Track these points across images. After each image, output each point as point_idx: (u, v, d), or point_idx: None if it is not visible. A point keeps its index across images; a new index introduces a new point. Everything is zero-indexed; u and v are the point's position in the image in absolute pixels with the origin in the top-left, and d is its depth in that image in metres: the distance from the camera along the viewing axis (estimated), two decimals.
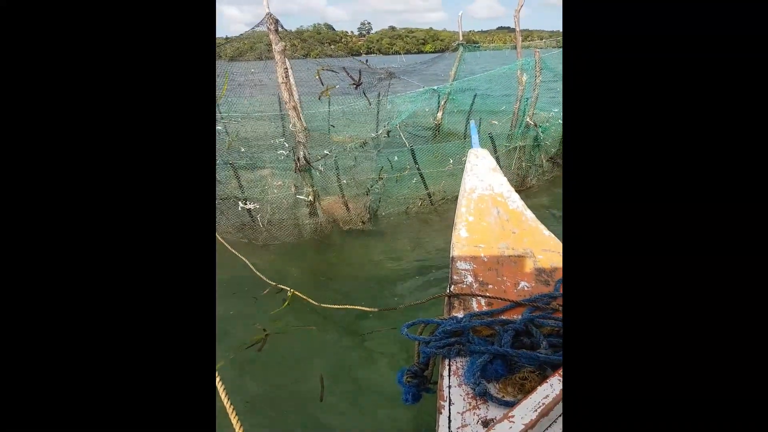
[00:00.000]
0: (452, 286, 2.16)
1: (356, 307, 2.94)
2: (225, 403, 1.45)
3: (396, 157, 6.26)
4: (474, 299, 2.04)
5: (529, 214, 2.87)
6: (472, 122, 4.81)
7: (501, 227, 2.73)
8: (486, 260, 2.38)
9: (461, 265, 2.35)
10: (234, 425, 1.38)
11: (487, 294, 2.06)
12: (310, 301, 3.54)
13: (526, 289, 2.12)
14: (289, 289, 3.81)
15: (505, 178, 3.36)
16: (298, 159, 4.98)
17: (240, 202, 5.05)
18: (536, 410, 1.19)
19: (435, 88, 8.91)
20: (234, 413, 1.42)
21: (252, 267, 4.00)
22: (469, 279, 2.21)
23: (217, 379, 1.52)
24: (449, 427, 1.37)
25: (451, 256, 2.47)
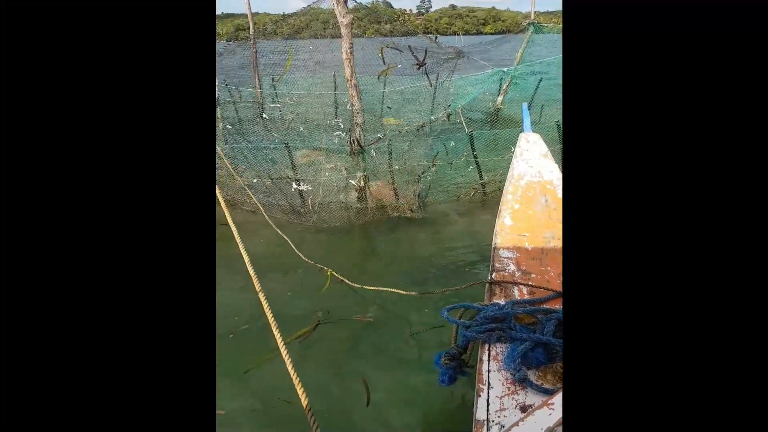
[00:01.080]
0: (493, 274, 2.21)
1: (395, 290, 3.04)
2: (292, 376, 1.53)
3: (453, 143, 6.22)
4: (515, 287, 2.08)
5: None
6: (524, 104, 4.67)
7: (548, 216, 2.73)
8: (530, 249, 2.41)
9: (504, 253, 2.39)
10: (300, 396, 1.46)
11: (530, 283, 2.10)
12: (346, 281, 3.69)
13: None
14: (327, 268, 3.95)
15: (556, 165, 3.30)
16: (353, 141, 5.09)
17: (294, 183, 5.24)
18: None
19: (505, 69, 8.68)
20: (300, 386, 1.49)
21: (292, 245, 4.15)
22: (512, 267, 2.26)
23: (284, 352, 1.60)
24: (488, 410, 1.44)
25: (493, 243, 2.51)
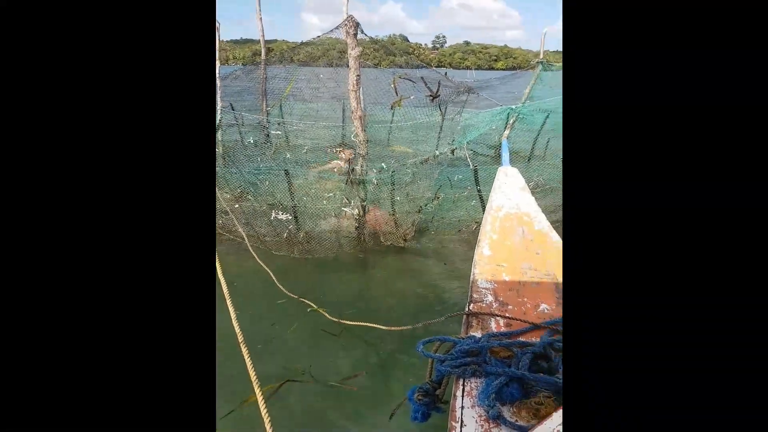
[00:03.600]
0: (471, 305, 2.18)
1: (374, 325, 2.99)
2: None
3: (457, 177, 6.25)
4: (493, 319, 2.05)
5: (555, 236, 2.87)
6: (504, 141, 4.85)
7: (525, 247, 2.75)
8: (507, 280, 2.39)
9: (482, 283, 2.37)
10: None
11: (507, 315, 2.08)
12: (326, 314, 3.63)
13: (546, 311, 2.12)
14: (310, 303, 3.91)
15: (533, 198, 3.41)
16: (353, 170, 5.13)
17: (274, 212, 5.24)
18: None
19: (513, 107, 8.86)
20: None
21: (273, 277, 4.05)
22: (489, 298, 2.23)
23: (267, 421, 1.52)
24: None
25: (472, 273, 2.49)
